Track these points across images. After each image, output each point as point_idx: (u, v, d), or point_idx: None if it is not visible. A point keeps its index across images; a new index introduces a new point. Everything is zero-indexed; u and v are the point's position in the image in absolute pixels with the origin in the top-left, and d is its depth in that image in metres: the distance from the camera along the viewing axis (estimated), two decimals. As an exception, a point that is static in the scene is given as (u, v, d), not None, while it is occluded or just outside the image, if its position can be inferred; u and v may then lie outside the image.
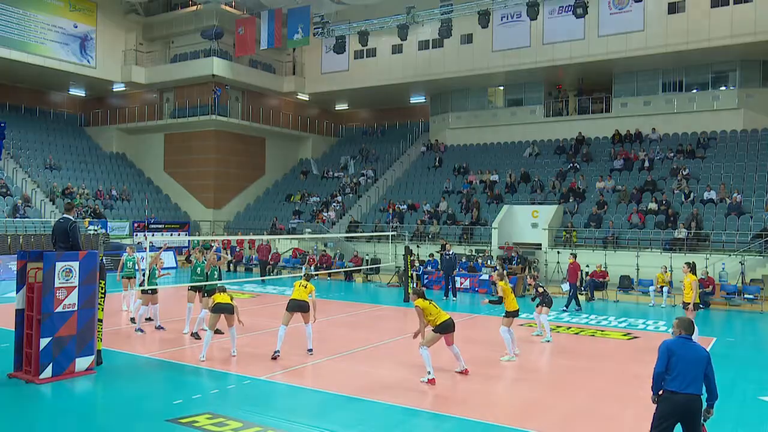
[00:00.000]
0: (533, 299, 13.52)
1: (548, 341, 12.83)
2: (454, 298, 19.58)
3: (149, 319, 13.62)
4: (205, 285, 12.79)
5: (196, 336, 12.42)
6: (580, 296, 18.79)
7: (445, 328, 9.72)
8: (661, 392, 5.73)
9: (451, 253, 20.12)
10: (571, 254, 18.58)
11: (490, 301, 11.75)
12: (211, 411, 7.86)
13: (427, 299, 9.98)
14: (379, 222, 28.40)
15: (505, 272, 13.08)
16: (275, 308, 16.16)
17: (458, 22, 26.21)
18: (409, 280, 19.15)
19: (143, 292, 12.95)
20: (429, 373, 9.44)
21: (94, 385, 9.16)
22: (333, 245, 28.03)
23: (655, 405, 5.76)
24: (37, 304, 9.17)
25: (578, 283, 18.21)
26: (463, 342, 12.70)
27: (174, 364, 10.56)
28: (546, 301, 13.22)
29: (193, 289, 12.95)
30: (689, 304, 11.93)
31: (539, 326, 13.41)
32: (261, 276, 22.97)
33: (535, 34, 28.85)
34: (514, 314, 11.33)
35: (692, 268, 12.33)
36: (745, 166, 25.05)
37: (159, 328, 13.19)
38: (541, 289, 13.41)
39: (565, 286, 18.10)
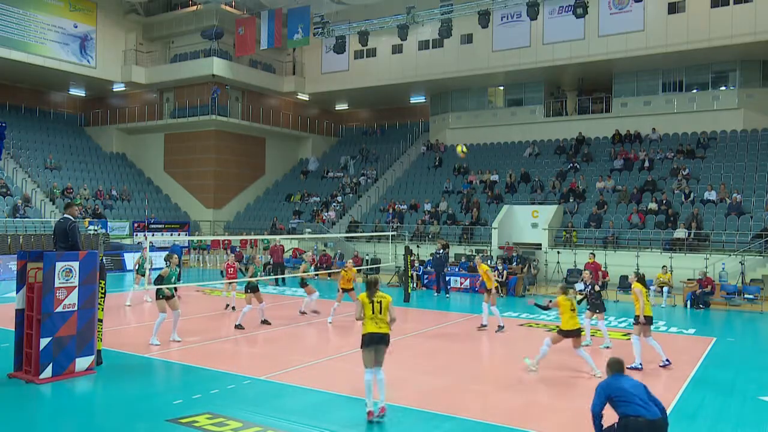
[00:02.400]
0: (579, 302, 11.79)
1: (608, 347, 12.15)
2: (447, 295, 19.79)
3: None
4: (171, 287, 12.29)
5: (240, 327, 13.46)
6: (579, 294, 18.73)
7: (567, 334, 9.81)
8: (623, 421, 5.68)
9: (441, 251, 20.65)
10: (591, 254, 18.35)
11: (536, 304, 11.04)
12: (211, 411, 7.85)
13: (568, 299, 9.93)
14: (379, 222, 28.40)
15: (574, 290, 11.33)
16: (275, 309, 16.18)
17: (458, 22, 26.21)
18: (409, 280, 19.18)
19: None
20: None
21: (94, 385, 9.16)
22: (333, 245, 28.03)
23: None
24: (37, 304, 9.17)
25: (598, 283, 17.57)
26: (463, 342, 12.72)
27: (174, 364, 10.56)
28: (599, 306, 12.37)
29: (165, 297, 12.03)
30: (638, 317, 10.64)
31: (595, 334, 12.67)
32: (275, 277, 22.57)
33: (535, 34, 28.85)
34: (567, 334, 9.97)
35: (640, 278, 11.07)
36: (745, 166, 25.05)
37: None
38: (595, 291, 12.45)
39: (579, 286, 17.91)
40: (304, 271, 16.25)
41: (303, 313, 15.54)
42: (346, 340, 12.62)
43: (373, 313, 7.69)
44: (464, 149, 22.68)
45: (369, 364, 7.66)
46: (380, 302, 7.73)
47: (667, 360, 10.59)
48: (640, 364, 10.41)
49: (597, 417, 5.83)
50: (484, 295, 14.35)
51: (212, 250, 30.44)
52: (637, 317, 10.67)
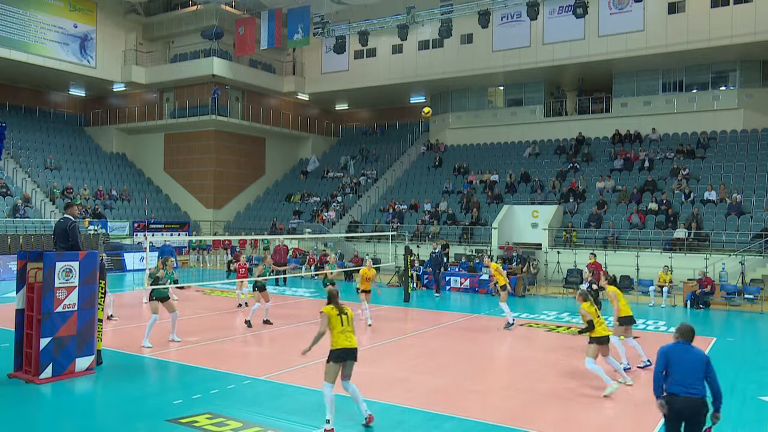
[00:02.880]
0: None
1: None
2: (437, 294, 20.04)
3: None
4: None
5: (249, 324, 13.80)
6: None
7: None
8: (664, 395, 5.75)
9: (437, 251, 20.90)
10: (591, 254, 18.16)
11: (579, 332, 10.15)
12: (211, 411, 7.85)
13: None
14: (379, 222, 28.40)
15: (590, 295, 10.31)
16: (275, 308, 16.17)
17: (458, 22, 26.23)
18: (409, 280, 19.18)
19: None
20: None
21: (94, 385, 9.16)
22: (333, 245, 28.02)
23: (662, 408, 5.76)
24: (37, 304, 9.17)
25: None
26: (464, 342, 12.72)
27: (174, 364, 10.56)
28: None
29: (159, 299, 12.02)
30: (617, 318, 10.52)
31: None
32: (276, 277, 22.55)
33: (535, 34, 28.85)
34: (602, 340, 9.27)
35: (612, 281, 10.96)
36: (745, 166, 25.05)
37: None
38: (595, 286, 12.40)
39: (584, 286, 17.86)
40: (260, 274, 14.71)
41: (248, 322, 13.88)
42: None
43: (342, 325, 7.39)
44: (428, 110, 22.55)
45: (332, 378, 7.30)
46: (347, 314, 7.47)
47: (648, 361, 10.53)
48: (628, 363, 10.42)
49: (657, 380, 5.83)
50: (501, 294, 14.42)
51: (212, 250, 30.46)
52: (619, 318, 10.52)
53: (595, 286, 12.73)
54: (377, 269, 24.39)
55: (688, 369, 5.66)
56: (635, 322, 11.10)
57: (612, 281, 10.89)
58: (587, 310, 9.19)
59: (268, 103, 36.55)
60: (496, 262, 16.59)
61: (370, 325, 14.20)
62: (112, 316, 14.52)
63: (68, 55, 31.25)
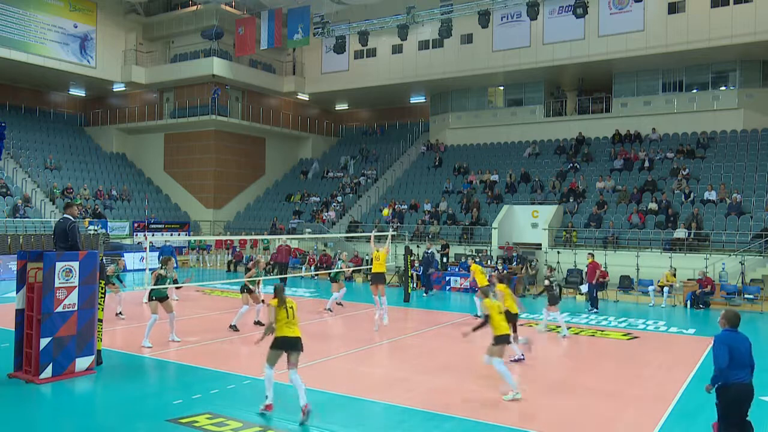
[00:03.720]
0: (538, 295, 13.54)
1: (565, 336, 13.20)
2: (425, 294, 20.26)
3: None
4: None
5: (234, 328, 13.49)
6: (581, 296, 18.77)
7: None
8: (725, 383, 5.79)
9: (430, 251, 21.10)
10: (589, 254, 18.09)
11: (474, 329, 9.68)
12: (211, 411, 7.86)
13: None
14: (379, 222, 28.40)
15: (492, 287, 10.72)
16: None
17: (458, 22, 26.21)
18: (409, 280, 19.19)
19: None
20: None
21: (94, 385, 9.16)
22: (333, 245, 28.03)
23: (719, 397, 5.81)
24: (37, 304, 9.17)
25: (594, 283, 17.28)
26: (464, 342, 12.71)
27: (174, 364, 10.56)
28: (551, 299, 13.44)
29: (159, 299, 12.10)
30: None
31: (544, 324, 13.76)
32: (279, 276, 22.57)
33: (535, 34, 28.85)
34: (503, 339, 9.04)
35: (502, 278, 11.16)
36: (745, 166, 25.05)
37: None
38: (547, 283, 13.75)
39: (584, 287, 17.89)
40: (250, 277, 14.18)
41: (233, 327, 13.59)
42: (346, 340, 12.62)
43: (287, 317, 7.95)
44: None
45: (273, 362, 7.98)
46: (291, 307, 8.04)
47: (522, 355, 10.95)
48: (522, 354, 10.94)
49: (721, 371, 5.95)
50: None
51: (212, 250, 30.47)
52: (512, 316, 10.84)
53: (551, 279, 13.99)
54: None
55: (744, 357, 5.78)
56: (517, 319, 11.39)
57: (502, 279, 11.39)
58: (488, 306, 9.11)
59: (268, 103, 36.55)
60: (479, 264, 16.74)
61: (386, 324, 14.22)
62: (121, 313, 14.74)
63: (68, 55, 31.25)
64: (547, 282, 14.16)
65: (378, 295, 14.32)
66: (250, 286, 13.93)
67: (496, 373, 8.79)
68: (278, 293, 8.15)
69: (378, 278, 14.40)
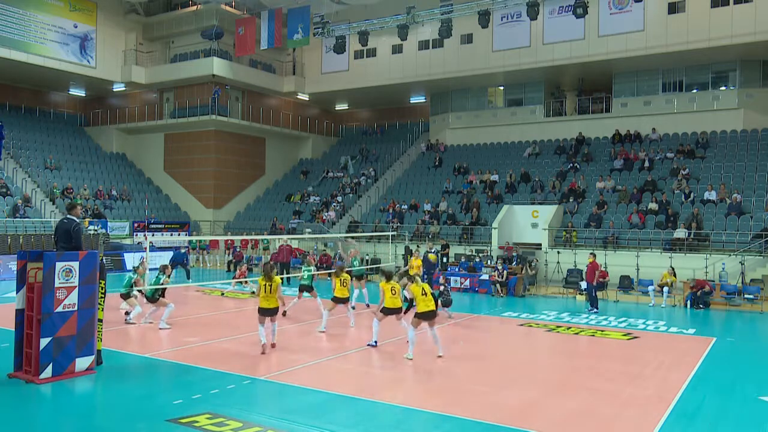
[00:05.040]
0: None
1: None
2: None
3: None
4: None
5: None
6: (581, 296, 18.75)
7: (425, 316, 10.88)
8: None
9: (433, 251, 20.84)
10: (591, 254, 17.93)
11: (405, 310, 11.88)
12: (211, 411, 7.85)
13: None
14: (379, 222, 28.40)
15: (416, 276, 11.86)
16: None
17: (458, 22, 26.22)
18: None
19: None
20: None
21: (94, 385, 9.16)
22: (333, 245, 28.02)
23: None
24: (37, 304, 9.16)
25: (594, 283, 17.21)
26: (464, 342, 12.72)
27: (174, 364, 10.55)
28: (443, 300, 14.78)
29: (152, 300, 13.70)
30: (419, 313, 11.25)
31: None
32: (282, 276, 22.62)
33: (535, 34, 28.85)
34: (423, 316, 10.92)
35: (411, 277, 11.61)
36: (745, 166, 25.05)
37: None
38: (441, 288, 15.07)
39: (583, 284, 17.86)
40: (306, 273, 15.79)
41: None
42: (347, 340, 12.61)
43: (265, 292, 11.07)
44: None
45: (262, 322, 11.25)
46: (271, 285, 11.08)
47: (375, 342, 11.90)
48: (376, 342, 11.89)
49: None
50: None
51: (212, 250, 30.46)
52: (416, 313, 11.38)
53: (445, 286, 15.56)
54: (377, 269, 24.49)
55: None
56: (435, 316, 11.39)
57: (411, 278, 11.85)
58: (413, 290, 11.15)
59: (268, 103, 36.55)
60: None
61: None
62: (128, 313, 14.40)
63: (68, 55, 31.25)
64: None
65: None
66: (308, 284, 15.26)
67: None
68: (267, 273, 11.04)
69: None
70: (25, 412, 8.00)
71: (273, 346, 11.33)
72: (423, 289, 11.00)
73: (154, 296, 13.51)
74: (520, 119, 32.29)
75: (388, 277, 11.60)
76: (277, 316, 11.44)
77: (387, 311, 11.60)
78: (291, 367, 10.30)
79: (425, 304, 10.90)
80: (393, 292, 11.52)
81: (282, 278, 22.27)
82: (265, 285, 10.99)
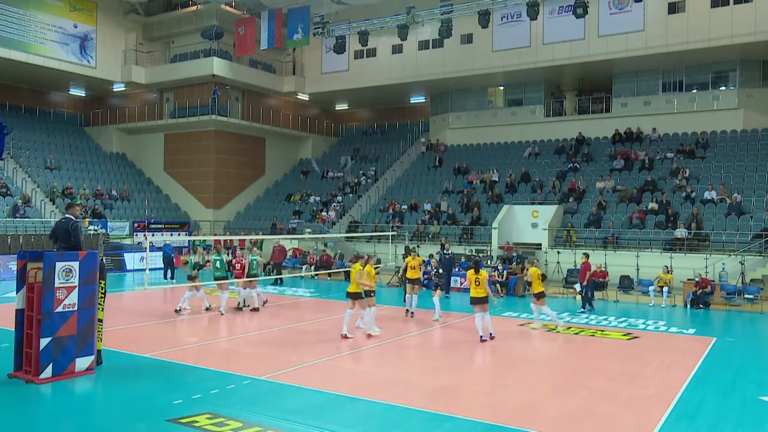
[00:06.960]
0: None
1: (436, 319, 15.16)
2: (447, 295, 19.84)
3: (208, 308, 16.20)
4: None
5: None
6: (580, 296, 18.74)
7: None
8: None
9: (450, 252, 20.48)
10: (584, 254, 17.92)
11: (366, 295, 13.02)
12: (211, 411, 7.85)
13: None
14: (379, 222, 28.40)
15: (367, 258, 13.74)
16: (276, 309, 16.17)
17: (458, 22, 26.22)
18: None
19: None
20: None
21: (94, 385, 9.16)
22: (333, 245, 28.02)
23: None
24: (37, 304, 9.16)
25: (585, 283, 17.27)
26: (464, 342, 12.72)
27: (174, 364, 10.55)
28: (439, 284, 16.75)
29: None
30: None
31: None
32: (275, 277, 22.58)
33: (535, 34, 28.85)
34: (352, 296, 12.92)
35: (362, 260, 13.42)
36: (745, 166, 25.05)
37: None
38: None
39: (578, 287, 17.86)
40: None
41: (178, 311, 15.80)
42: (347, 340, 12.61)
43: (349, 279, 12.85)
44: None
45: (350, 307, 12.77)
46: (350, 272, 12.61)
47: (348, 333, 12.64)
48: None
49: None
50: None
51: (212, 250, 30.39)
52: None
53: (441, 270, 17.45)
54: (376, 269, 24.46)
55: None
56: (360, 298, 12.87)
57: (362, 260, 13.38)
58: (368, 270, 12.89)
59: (268, 103, 36.55)
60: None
61: (413, 315, 15.58)
62: (180, 310, 15.72)
63: (68, 55, 31.25)
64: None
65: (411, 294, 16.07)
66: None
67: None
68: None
69: (411, 283, 16.09)
70: (25, 412, 8.00)
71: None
72: (369, 272, 12.81)
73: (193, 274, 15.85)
74: (520, 119, 32.29)
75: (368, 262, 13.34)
76: (359, 302, 12.71)
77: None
78: (291, 367, 10.30)
79: (355, 286, 12.78)
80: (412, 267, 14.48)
81: (276, 279, 22.48)
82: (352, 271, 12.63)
